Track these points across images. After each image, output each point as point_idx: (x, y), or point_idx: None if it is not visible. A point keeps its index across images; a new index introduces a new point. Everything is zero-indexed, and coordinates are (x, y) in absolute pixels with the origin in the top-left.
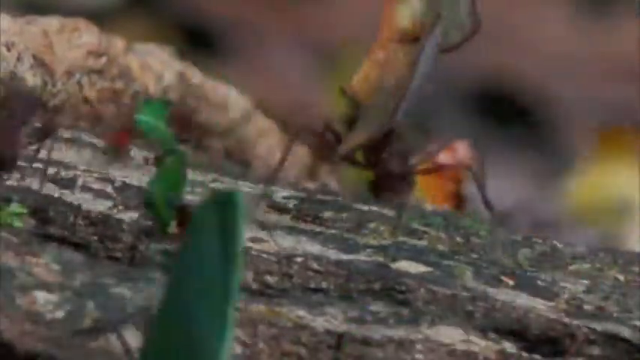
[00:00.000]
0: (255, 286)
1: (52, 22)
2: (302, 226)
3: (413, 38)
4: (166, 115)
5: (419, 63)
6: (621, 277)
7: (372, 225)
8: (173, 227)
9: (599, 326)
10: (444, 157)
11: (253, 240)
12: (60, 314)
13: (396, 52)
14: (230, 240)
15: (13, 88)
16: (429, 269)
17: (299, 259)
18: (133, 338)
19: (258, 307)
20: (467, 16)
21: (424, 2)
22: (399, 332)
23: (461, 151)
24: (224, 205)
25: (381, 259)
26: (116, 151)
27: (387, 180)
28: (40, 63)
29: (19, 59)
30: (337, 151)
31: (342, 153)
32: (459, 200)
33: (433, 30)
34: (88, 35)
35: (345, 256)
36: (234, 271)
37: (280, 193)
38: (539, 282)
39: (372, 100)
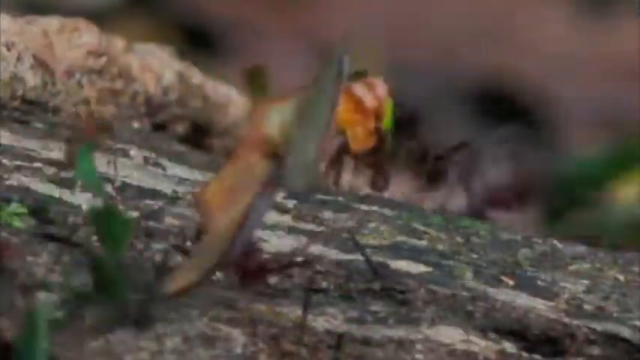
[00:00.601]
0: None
1: (52, 22)
2: (302, 226)
3: (273, 153)
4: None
5: (253, 211)
6: (621, 277)
7: (372, 225)
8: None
9: (599, 326)
10: (361, 92)
11: None
12: (60, 314)
13: (254, 166)
14: None
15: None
16: (429, 269)
17: (299, 259)
18: (132, 338)
19: (258, 307)
20: (312, 162)
21: (294, 117)
22: (399, 332)
23: (378, 87)
24: None
25: (380, 259)
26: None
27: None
28: (40, 63)
29: (19, 59)
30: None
31: (169, 292)
32: (379, 137)
33: (272, 181)
34: (88, 35)
35: (345, 256)
36: None
37: (280, 193)
38: (539, 282)
39: (217, 223)
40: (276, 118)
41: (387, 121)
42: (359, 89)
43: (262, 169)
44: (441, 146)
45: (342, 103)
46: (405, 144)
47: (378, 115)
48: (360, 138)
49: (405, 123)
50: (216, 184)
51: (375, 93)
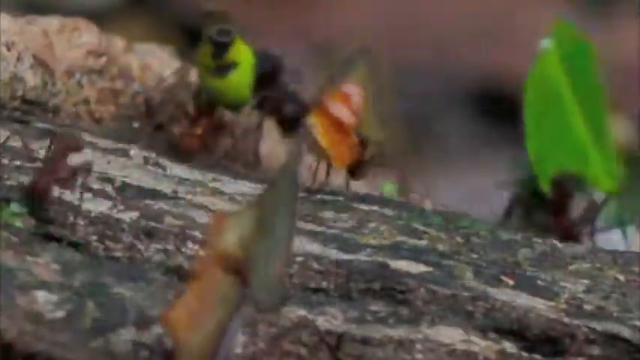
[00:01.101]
0: None
1: (52, 22)
2: (302, 226)
3: (236, 268)
4: None
5: (227, 336)
6: (621, 277)
7: (372, 225)
8: None
9: (599, 326)
10: (337, 108)
11: None
12: (60, 314)
13: (219, 284)
14: None
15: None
16: (429, 269)
17: (299, 259)
18: (132, 338)
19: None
20: (277, 280)
21: (253, 229)
22: (399, 332)
23: (353, 96)
24: None
25: (380, 259)
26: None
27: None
28: (40, 63)
29: (19, 59)
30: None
31: None
32: (361, 147)
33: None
34: (88, 35)
35: (345, 256)
36: None
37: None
38: (539, 282)
39: (190, 342)
40: (233, 232)
41: (367, 125)
42: (334, 105)
43: (227, 286)
44: (300, 95)
45: (320, 123)
46: (264, 95)
47: (357, 127)
48: (343, 156)
49: (268, 75)
50: (181, 307)
51: (350, 105)
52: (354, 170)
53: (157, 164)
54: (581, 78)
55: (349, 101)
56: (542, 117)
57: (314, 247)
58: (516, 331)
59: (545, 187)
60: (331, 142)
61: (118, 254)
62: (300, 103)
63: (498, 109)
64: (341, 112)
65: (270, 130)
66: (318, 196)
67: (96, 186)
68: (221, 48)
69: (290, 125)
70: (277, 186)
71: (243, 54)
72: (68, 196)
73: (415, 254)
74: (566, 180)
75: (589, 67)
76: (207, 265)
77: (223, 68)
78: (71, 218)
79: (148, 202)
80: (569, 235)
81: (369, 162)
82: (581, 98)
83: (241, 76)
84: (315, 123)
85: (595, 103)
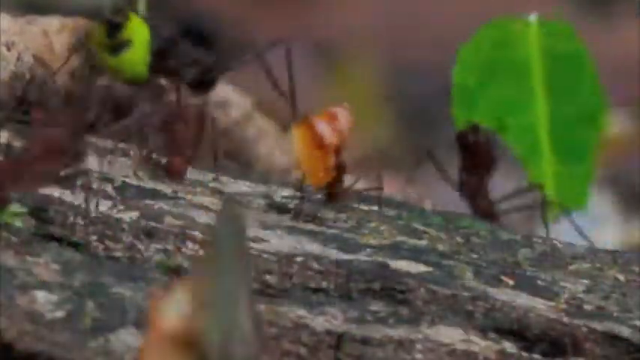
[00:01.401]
0: (255, 286)
1: (52, 22)
2: (302, 226)
3: (185, 341)
4: None
5: None
6: (621, 277)
7: (372, 225)
8: None
9: (599, 326)
10: (321, 125)
11: (254, 240)
12: (60, 314)
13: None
14: None
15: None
16: (429, 269)
17: (299, 259)
18: (133, 338)
19: (258, 307)
20: (249, 330)
21: (194, 301)
22: (399, 332)
23: (341, 118)
24: None
25: (380, 259)
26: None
27: None
28: (40, 63)
29: (19, 59)
30: None
31: None
32: (338, 172)
33: None
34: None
35: (345, 256)
36: None
37: (280, 193)
38: (539, 282)
39: None
40: (176, 306)
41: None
42: (319, 123)
43: None
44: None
45: (301, 136)
46: (166, 64)
47: (338, 150)
48: (317, 174)
49: (164, 49)
50: None
51: (336, 126)
52: (331, 193)
53: (157, 164)
54: (560, 73)
55: (335, 122)
56: (489, 70)
57: (314, 247)
58: (516, 331)
59: (459, 124)
60: (308, 157)
61: (118, 254)
62: (201, 66)
63: None
64: (324, 129)
65: (269, 130)
66: (318, 196)
67: (96, 186)
68: (115, 27)
69: (195, 88)
70: (217, 242)
71: (138, 32)
72: (69, 196)
73: (415, 254)
74: (487, 133)
75: (575, 69)
76: (153, 346)
77: (118, 47)
78: (71, 218)
79: (147, 202)
80: (476, 201)
81: (345, 188)
82: (556, 91)
83: (135, 54)
84: (295, 134)
85: (575, 101)
